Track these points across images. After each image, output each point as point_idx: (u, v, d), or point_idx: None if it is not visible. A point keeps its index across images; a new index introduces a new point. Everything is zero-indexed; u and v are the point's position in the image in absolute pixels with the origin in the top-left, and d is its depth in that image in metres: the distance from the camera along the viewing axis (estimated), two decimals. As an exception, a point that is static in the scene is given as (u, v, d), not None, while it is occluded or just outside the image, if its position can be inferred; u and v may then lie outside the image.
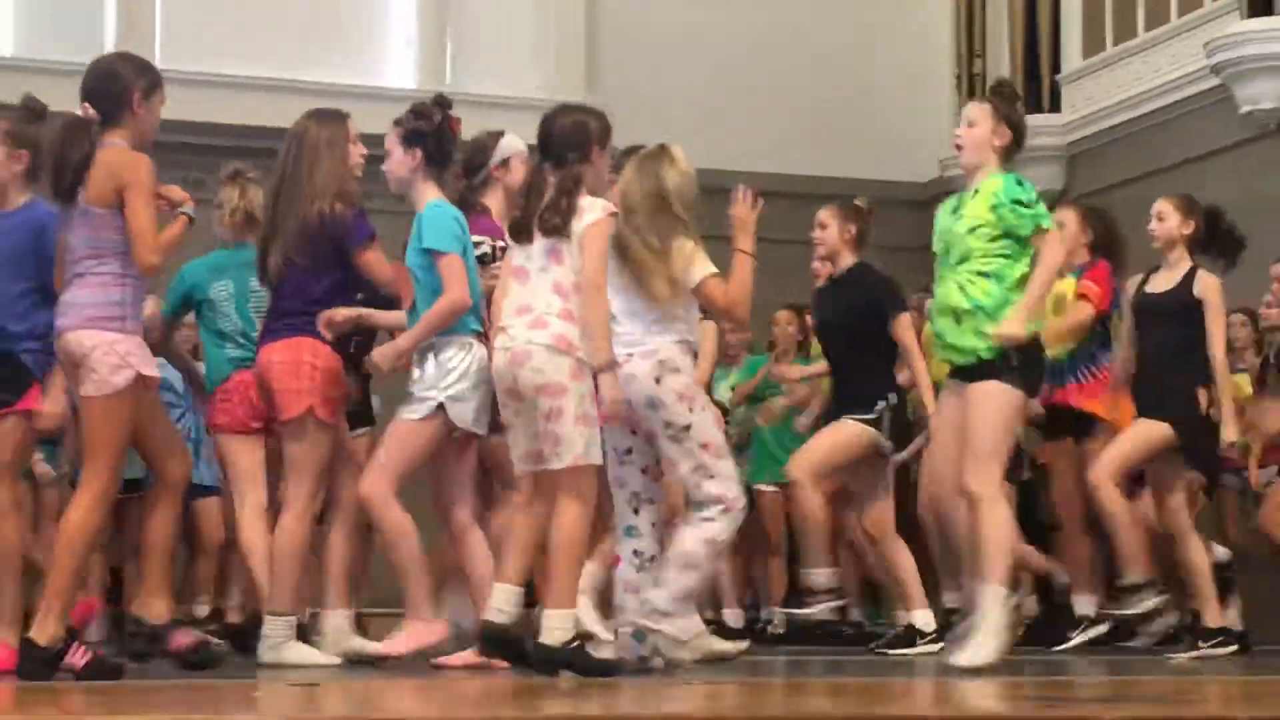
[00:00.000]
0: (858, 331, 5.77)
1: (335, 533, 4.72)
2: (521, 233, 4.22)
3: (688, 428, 4.22)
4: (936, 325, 4.77)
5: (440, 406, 4.40)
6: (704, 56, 9.77)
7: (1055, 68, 9.53)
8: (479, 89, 9.02)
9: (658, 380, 4.17)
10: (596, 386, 4.16)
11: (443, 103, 4.67)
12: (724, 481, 4.30)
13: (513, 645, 4.08)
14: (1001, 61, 9.71)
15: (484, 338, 4.45)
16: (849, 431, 5.66)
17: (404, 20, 10.13)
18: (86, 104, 4.10)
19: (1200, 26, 8.57)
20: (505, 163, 4.90)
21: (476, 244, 4.64)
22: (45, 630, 3.96)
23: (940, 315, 4.68)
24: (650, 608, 4.24)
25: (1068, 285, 5.97)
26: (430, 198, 4.48)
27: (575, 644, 4.05)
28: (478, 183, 4.90)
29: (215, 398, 4.98)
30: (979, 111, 4.84)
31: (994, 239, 4.64)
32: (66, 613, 4.09)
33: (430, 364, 4.44)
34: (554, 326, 4.10)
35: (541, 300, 4.13)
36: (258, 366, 4.59)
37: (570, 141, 4.24)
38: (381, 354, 4.58)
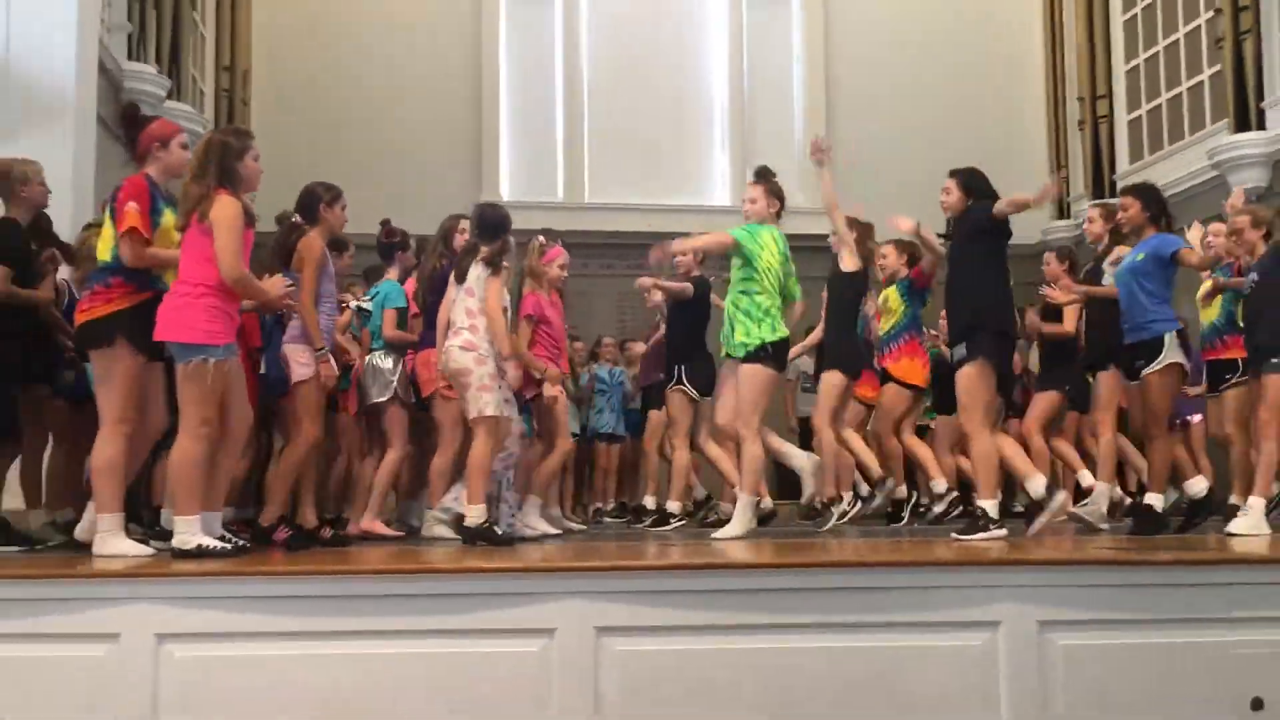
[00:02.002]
0: None
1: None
2: (459, 277, 5.62)
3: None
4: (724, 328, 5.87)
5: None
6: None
7: (1260, 97, 10.60)
8: None
9: None
10: (501, 371, 5.55)
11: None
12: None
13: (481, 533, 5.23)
14: (1226, 91, 10.90)
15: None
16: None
17: (720, 156, 13.74)
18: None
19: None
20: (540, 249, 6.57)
21: None
22: (267, 516, 5.28)
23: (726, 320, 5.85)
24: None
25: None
26: None
27: (486, 525, 5.24)
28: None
29: None
30: (754, 189, 5.90)
31: (740, 268, 5.79)
32: (282, 505, 5.29)
33: None
34: (463, 335, 5.48)
35: (459, 318, 5.53)
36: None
37: (481, 227, 5.68)
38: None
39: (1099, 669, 3.79)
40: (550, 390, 6.33)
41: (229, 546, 4.33)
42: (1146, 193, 5.97)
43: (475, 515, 5.23)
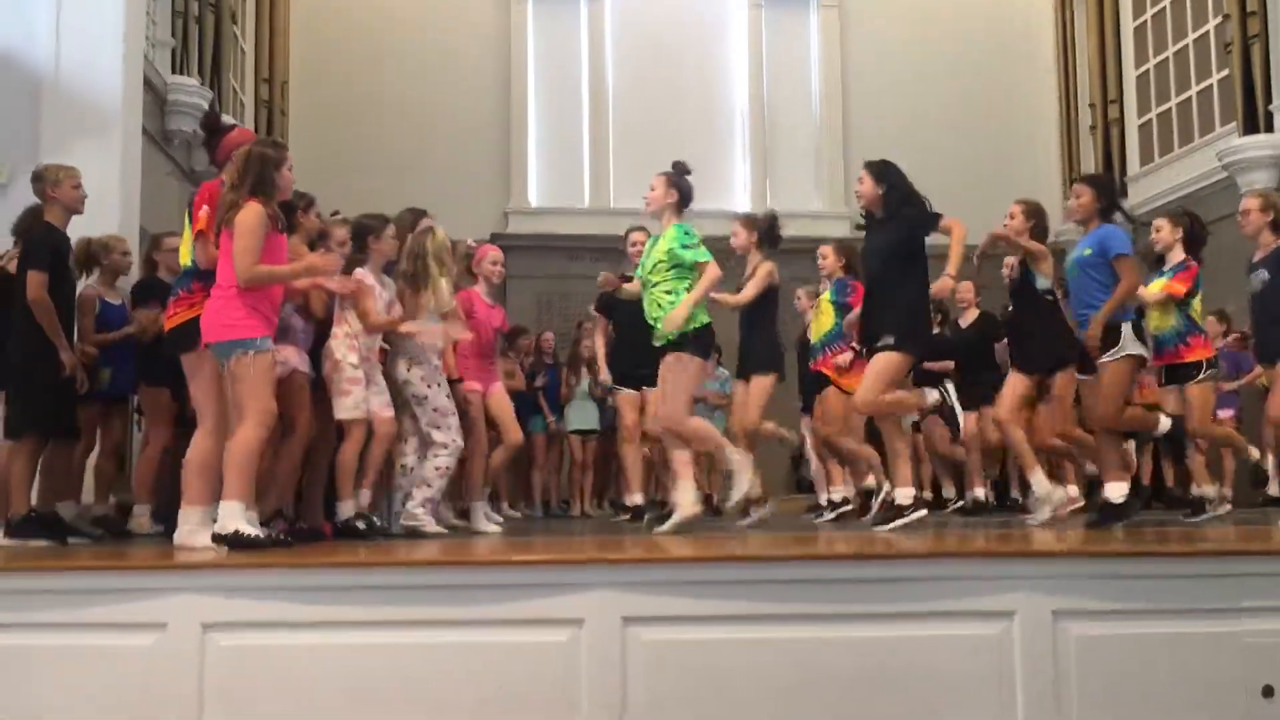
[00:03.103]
0: None
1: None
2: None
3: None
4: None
5: None
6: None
7: (1268, 100, 10.65)
8: (791, 205, 11.23)
9: None
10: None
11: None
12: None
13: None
14: (1234, 94, 10.89)
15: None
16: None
17: (740, 162, 13.86)
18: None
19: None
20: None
21: None
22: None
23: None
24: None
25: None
26: None
27: (353, 519, 5.45)
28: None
29: None
30: (657, 179, 5.76)
31: (671, 269, 5.57)
32: (278, 500, 5.22)
33: None
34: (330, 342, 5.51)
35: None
36: None
37: (355, 235, 5.72)
38: None
39: (1112, 658, 3.76)
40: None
41: (261, 536, 4.33)
42: (1100, 184, 5.76)
43: (344, 510, 5.40)
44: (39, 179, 5.57)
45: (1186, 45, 12.37)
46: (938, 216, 5.56)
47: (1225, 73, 11.40)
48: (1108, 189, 5.74)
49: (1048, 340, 5.98)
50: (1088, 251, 5.59)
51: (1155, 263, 6.43)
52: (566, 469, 10.21)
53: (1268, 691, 3.74)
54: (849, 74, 13.99)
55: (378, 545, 4.93)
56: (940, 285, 5.43)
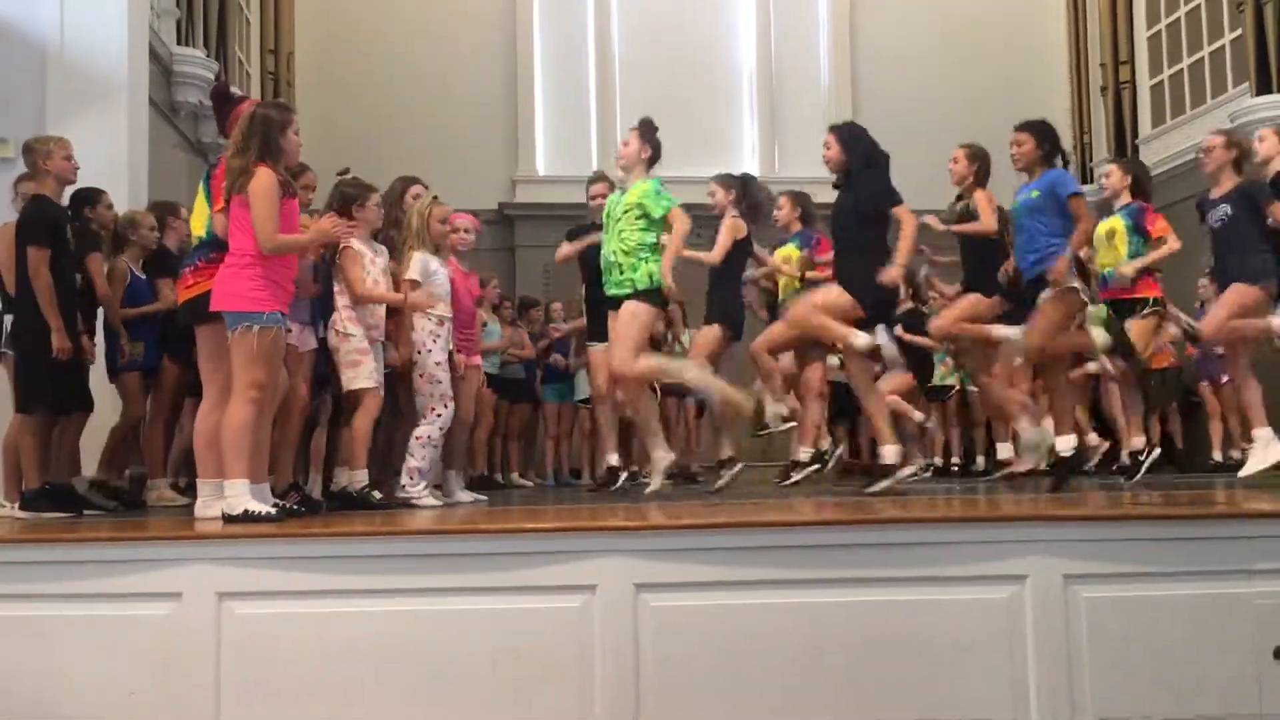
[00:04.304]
0: None
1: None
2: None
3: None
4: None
5: None
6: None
7: None
8: (799, 170, 11.44)
9: None
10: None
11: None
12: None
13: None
14: (1247, 55, 10.66)
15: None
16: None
17: (749, 126, 13.71)
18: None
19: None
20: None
21: None
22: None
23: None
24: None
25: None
26: None
27: (365, 489, 5.34)
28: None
29: None
30: (631, 134, 5.95)
31: (639, 218, 5.78)
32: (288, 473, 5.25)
33: None
34: (334, 313, 5.47)
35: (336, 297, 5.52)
36: None
37: (340, 202, 5.52)
38: None
39: (1124, 621, 3.77)
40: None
41: (274, 511, 4.31)
42: (1040, 130, 5.72)
43: (357, 480, 5.35)
44: (30, 151, 5.53)
45: (1198, 5, 12.13)
46: (895, 199, 5.53)
47: (1238, 33, 11.19)
48: (1049, 134, 5.71)
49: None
50: (1035, 194, 5.60)
51: (1103, 207, 6.66)
52: (578, 438, 10.20)
53: (1278, 653, 3.75)
54: (858, 36, 13.82)
55: (391, 514, 4.95)
56: (889, 275, 5.39)
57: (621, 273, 5.78)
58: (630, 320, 5.73)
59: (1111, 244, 6.64)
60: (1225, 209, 6.04)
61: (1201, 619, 3.78)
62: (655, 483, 5.84)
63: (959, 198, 6.41)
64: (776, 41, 13.87)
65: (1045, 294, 5.50)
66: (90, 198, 5.98)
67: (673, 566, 3.75)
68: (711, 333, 6.59)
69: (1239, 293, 5.91)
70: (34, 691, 3.62)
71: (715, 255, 6.57)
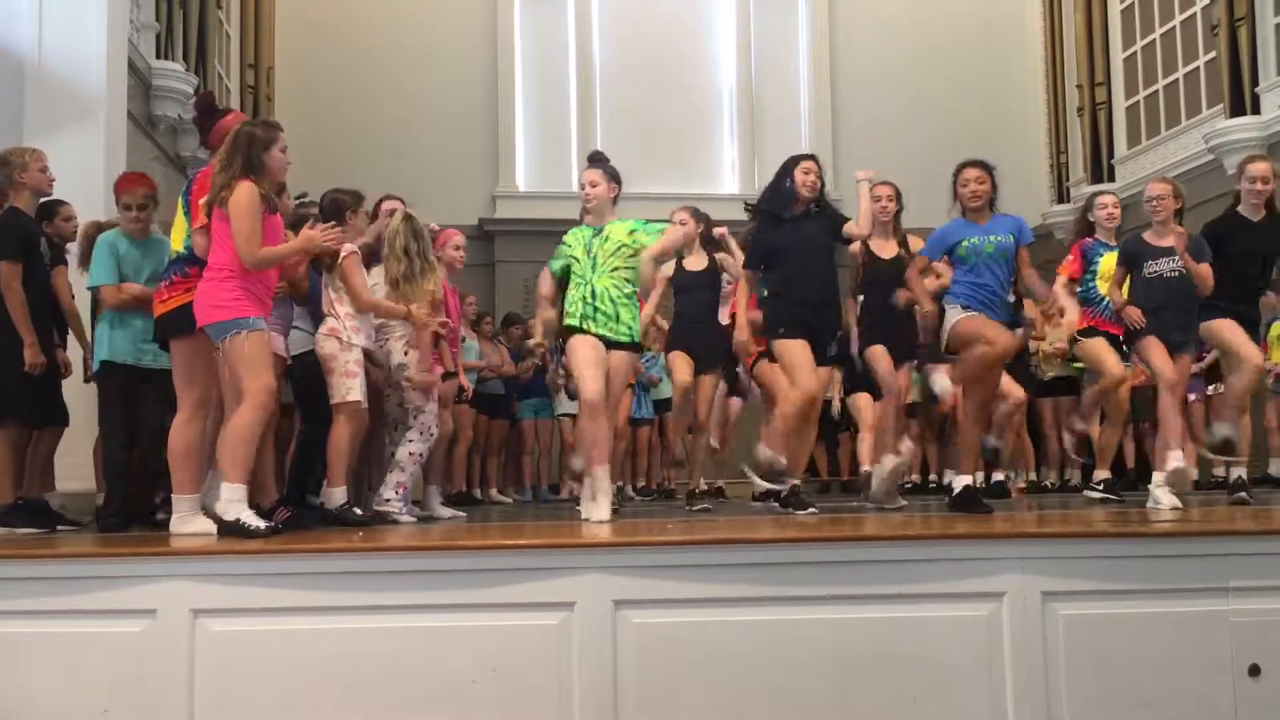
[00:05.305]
0: None
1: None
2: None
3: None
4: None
5: None
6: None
7: (1255, 82, 10.56)
8: None
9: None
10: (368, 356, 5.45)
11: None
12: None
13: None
14: (1221, 77, 10.85)
15: None
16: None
17: (729, 145, 13.76)
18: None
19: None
20: None
21: None
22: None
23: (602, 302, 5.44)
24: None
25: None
26: None
27: (346, 506, 5.20)
28: None
29: None
30: (595, 174, 5.55)
31: (631, 256, 5.47)
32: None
33: None
34: (328, 322, 5.33)
35: (325, 306, 5.39)
36: None
37: (326, 214, 5.43)
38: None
39: (1101, 638, 3.79)
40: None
41: (262, 527, 4.27)
42: (993, 171, 5.50)
43: (336, 497, 5.23)
44: (5, 164, 5.47)
45: (1174, 27, 12.31)
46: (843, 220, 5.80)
47: (1212, 55, 11.38)
48: (993, 176, 5.53)
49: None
50: (1010, 238, 5.41)
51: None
52: (557, 453, 10.18)
53: (1254, 670, 3.77)
54: (837, 54, 14.02)
55: (369, 531, 4.91)
56: (850, 228, 5.75)
57: (619, 320, 5.44)
58: (629, 370, 5.71)
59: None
60: (1177, 261, 5.81)
61: (1179, 636, 3.79)
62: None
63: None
64: (756, 60, 14.01)
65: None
66: (49, 210, 5.85)
67: (652, 583, 3.74)
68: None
69: (1184, 364, 5.84)
70: (4, 711, 3.57)
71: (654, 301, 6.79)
